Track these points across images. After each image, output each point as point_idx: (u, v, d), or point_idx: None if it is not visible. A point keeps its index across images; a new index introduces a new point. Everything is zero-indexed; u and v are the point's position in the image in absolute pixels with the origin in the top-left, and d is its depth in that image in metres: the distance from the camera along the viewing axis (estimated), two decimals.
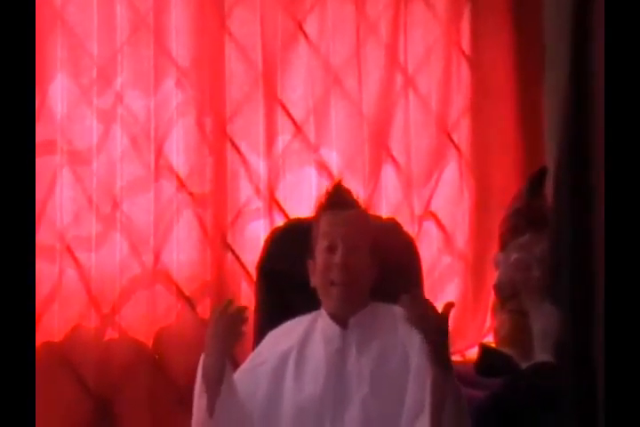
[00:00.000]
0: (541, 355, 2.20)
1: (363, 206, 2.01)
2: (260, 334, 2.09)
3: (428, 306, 1.78)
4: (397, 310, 1.99)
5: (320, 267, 1.93)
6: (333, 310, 1.94)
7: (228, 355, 1.85)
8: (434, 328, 1.75)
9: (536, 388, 2.03)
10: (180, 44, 2.66)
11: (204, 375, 1.83)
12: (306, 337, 1.95)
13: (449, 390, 1.75)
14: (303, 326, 1.98)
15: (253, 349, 2.05)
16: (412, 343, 1.89)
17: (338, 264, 1.89)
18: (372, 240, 1.96)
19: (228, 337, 1.83)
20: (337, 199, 1.97)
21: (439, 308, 1.78)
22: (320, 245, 1.93)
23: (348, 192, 1.99)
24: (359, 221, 1.96)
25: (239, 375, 1.91)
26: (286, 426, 1.86)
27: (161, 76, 2.63)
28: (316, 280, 1.95)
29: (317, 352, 1.92)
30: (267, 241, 2.27)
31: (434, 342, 1.75)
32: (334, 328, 1.93)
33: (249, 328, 2.24)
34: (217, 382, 1.81)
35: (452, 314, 2.74)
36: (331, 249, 1.91)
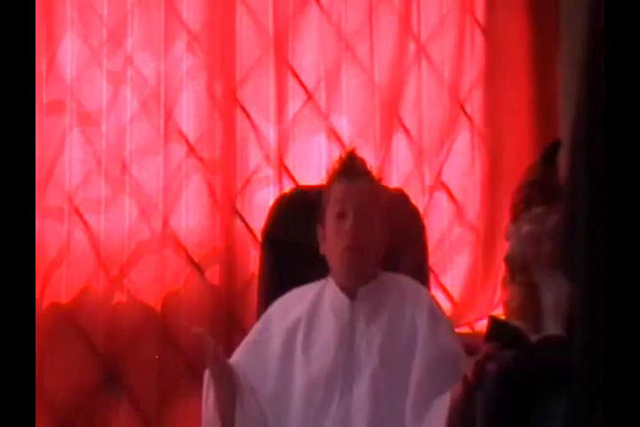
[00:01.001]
0: (552, 328, 2.19)
1: (376, 176, 1.99)
2: (265, 302, 2.09)
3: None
4: (405, 280, 1.99)
5: (330, 233, 1.92)
6: (343, 279, 1.93)
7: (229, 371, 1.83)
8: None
9: (546, 361, 2.03)
10: (190, 7, 2.63)
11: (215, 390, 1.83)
12: (314, 308, 1.95)
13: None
14: (311, 296, 1.97)
15: (258, 316, 2.04)
16: (420, 314, 1.90)
17: (348, 230, 1.88)
18: (383, 210, 1.94)
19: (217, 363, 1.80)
20: (350, 167, 1.95)
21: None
22: (330, 212, 1.92)
23: (361, 161, 1.97)
24: (371, 190, 1.94)
25: (248, 347, 1.92)
26: (297, 399, 1.86)
27: (171, 39, 2.60)
28: (325, 247, 1.93)
29: (326, 324, 1.91)
30: (273, 207, 2.26)
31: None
32: (343, 299, 1.92)
33: (253, 294, 2.25)
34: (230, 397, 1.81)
35: (462, 286, 2.79)
36: (341, 216, 1.90)
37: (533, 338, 2.17)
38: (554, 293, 2.20)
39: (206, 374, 1.84)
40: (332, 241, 1.91)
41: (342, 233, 1.89)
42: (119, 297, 2.47)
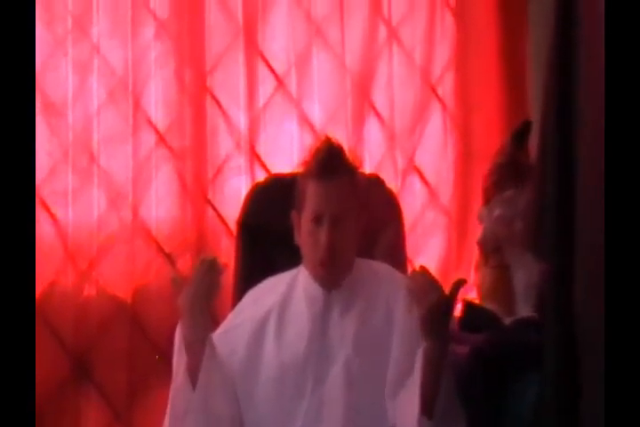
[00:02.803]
0: (524, 310, 2.19)
1: (353, 166, 1.90)
2: (240, 292, 2.07)
3: (433, 284, 1.74)
4: (380, 266, 1.98)
5: (305, 239, 1.87)
6: (318, 280, 1.90)
7: (209, 314, 1.81)
8: (435, 306, 1.71)
9: (518, 343, 2.03)
10: None
11: (184, 336, 1.80)
12: (287, 296, 1.92)
13: (443, 365, 1.73)
14: (284, 285, 1.95)
15: (233, 307, 2.02)
16: (396, 301, 1.88)
17: (323, 244, 1.83)
18: (360, 203, 1.89)
19: (208, 290, 1.80)
20: (326, 163, 1.86)
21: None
22: (306, 214, 1.87)
23: (338, 152, 1.88)
24: (348, 188, 1.87)
25: (219, 336, 1.89)
26: (267, 387, 1.84)
27: (139, 27, 2.57)
28: (299, 240, 1.90)
29: (300, 313, 1.89)
30: (247, 196, 2.25)
31: (432, 319, 1.71)
32: (317, 289, 1.90)
33: (228, 285, 2.23)
34: (199, 343, 1.78)
35: (436, 269, 2.78)
36: (317, 222, 1.85)
37: (507, 321, 2.18)
38: (525, 274, 2.21)
39: (177, 335, 1.81)
40: (307, 247, 1.87)
41: (318, 243, 1.84)
42: (88, 290, 2.45)
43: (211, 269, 1.81)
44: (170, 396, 1.82)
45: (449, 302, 1.74)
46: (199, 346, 1.79)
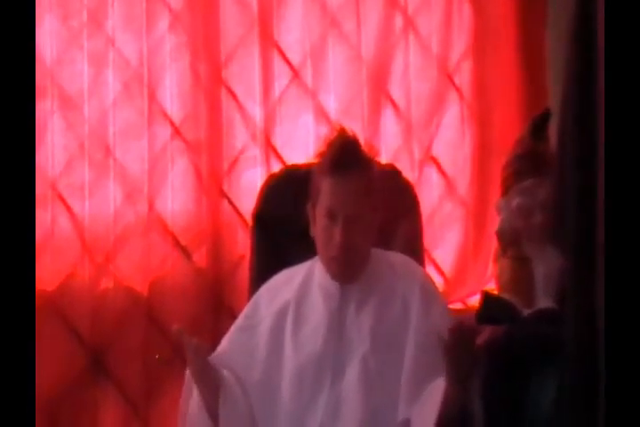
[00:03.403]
0: (544, 301, 2.17)
1: (369, 158, 1.86)
2: (256, 283, 2.06)
3: (469, 342, 1.71)
4: (396, 257, 1.96)
5: (320, 236, 1.85)
6: (333, 277, 1.88)
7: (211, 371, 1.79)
8: (467, 365, 1.70)
9: (538, 335, 2.01)
10: None
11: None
12: (303, 291, 1.91)
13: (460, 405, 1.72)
14: (299, 278, 1.93)
15: (249, 298, 2.01)
16: (413, 292, 1.86)
17: (338, 241, 1.81)
18: (376, 197, 1.86)
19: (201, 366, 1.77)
20: (341, 158, 1.83)
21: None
22: (320, 209, 1.84)
23: (353, 145, 1.85)
24: (363, 183, 1.83)
25: (236, 334, 1.89)
26: (286, 386, 1.83)
27: (153, 20, 2.56)
28: (315, 233, 1.88)
29: (316, 308, 1.88)
30: (262, 188, 2.23)
31: (461, 372, 1.71)
32: (333, 284, 1.88)
33: (244, 277, 2.23)
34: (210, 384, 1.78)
35: (454, 261, 2.76)
36: (331, 218, 1.82)
37: (526, 312, 2.15)
38: (545, 266, 2.18)
39: (187, 373, 1.82)
40: (321, 244, 1.85)
41: (332, 239, 1.82)
42: (105, 283, 2.46)
43: (196, 352, 1.77)
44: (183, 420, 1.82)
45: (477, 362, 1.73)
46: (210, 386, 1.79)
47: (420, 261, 2.13)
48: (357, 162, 1.84)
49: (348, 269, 1.86)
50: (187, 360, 1.77)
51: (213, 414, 1.78)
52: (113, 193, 2.49)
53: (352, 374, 1.81)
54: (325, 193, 1.83)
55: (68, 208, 2.45)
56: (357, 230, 1.82)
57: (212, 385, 1.78)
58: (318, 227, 1.85)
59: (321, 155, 1.87)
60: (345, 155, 1.83)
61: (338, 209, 1.81)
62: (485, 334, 1.95)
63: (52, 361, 2.37)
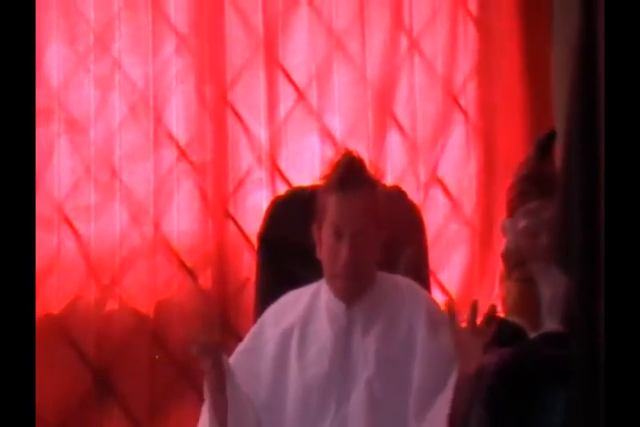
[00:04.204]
0: (550, 324, 2.16)
1: (374, 179, 1.88)
2: (261, 305, 2.06)
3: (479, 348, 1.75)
4: (402, 281, 1.95)
5: (326, 254, 1.85)
6: (338, 296, 1.88)
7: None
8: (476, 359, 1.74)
9: (545, 357, 2.00)
10: (178, 9, 2.61)
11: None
12: (309, 313, 1.90)
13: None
14: (305, 300, 1.93)
15: (254, 321, 2.01)
16: (419, 318, 1.86)
17: (344, 258, 1.81)
18: (381, 217, 1.87)
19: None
20: (347, 176, 1.84)
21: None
22: (326, 229, 1.85)
23: (359, 166, 1.86)
24: (368, 201, 1.85)
25: (241, 356, 1.88)
26: (292, 408, 1.83)
27: (159, 43, 2.58)
28: (321, 255, 1.88)
29: (322, 330, 1.87)
30: (268, 210, 2.23)
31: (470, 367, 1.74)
32: (339, 305, 1.88)
33: (249, 299, 2.22)
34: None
35: (460, 282, 2.75)
36: (337, 236, 1.83)
37: (532, 335, 2.14)
38: (551, 288, 2.17)
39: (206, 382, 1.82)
40: (327, 262, 1.85)
41: (338, 257, 1.82)
42: (111, 305, 2.46)
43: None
44: None
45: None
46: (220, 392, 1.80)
47: (426, 283, 2.12)
48: (363, 180, 1.85)
49: (353, 286, 1.85)
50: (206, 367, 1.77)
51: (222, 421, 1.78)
52: (119, 215, 2.50)
53: (357, 396, 1.80)
54: (331, 210, 1.84)
55: (74, 230, 2.46)
56: (363, 247, 1.82)
57: (224, 392, 1.79)
58: (324, 245, 1.85)
59: (326, 177, 1.88)
60: (350, 173, 1.85)
61: (344, 225, 1.82)
62: (494, 356, 1.94)
63: (58, 383, 2.37)
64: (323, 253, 1.86)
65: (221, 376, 1.78)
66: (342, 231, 1.82)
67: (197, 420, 1.85)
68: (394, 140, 2.75)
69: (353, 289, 1.86)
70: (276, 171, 2.64)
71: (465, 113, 2.84)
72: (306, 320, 1.89)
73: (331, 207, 1.84)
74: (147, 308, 2.48)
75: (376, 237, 1.85)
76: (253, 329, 1.96)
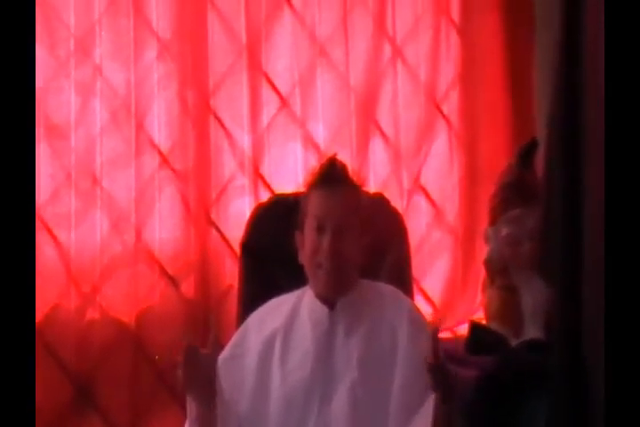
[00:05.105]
0: (532, 331, 2.16)
1: (357, 183, 1.91)
2: (244, 313, 2.05)
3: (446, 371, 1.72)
4: (385, 288, 1.95)
5: (308, 248, 1.86)
6: (320, 293, 1.89)
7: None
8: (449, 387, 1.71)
9: (527, 365, 2.00)
10: (160, 15, 2.59)
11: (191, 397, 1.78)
12: (292, 318, 1.90)
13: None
14: (289, 305, 1.93)
15: (237, 328, 2.00)
16: (400, 322, 1.86)
17: (325, 250, 1.82)
18: (363, 219, 1.88)
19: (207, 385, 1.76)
20: (329, 175, 1.88)
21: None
22: (309, 224, 1.87)
23: (341, 168, 1.90)
24: (350, 199, 1.88)
25: (225, 362, 1.86)
26: (275, 413, 1.82)
27: (141, 48, 2.57)
28: (303, 258, 1.89)
29: (305, 335, 1.87)
30: (251, 217, 2.22)
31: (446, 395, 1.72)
32: (322, 309, 1.88)
33: (232, 306, 2.21)
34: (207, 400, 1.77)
35: (443, 290, 2.75)
36: (320, 230, 1.84)
37: (514, 342, 2.15)
38: (533, 296, 2.18)
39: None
40: (309, 255, 1.86)
41: (320, 250, 1.83)
42: (91, 314, 2.43)
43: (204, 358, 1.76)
44: None
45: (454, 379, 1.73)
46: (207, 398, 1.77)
47: (409, 290, 2.12)
48: (346, 180, 1.88)
49: (336, 280, 1.85)
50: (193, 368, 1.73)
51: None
52: (100, 222, 2.47)
53: (340, 401, 1.80)
54: (314, 205, 1.86)
55: (54, 238, 2.43)
56: (345, 241, 1.83)
57: (213, 401, 1.77)
58: (307, 241, 1.86)
59: (309, 180, 1.90)
60: (334, 171, 1.88)
61: (326, 218, 1.83)
62: (475, 369, 1.94)
63: (37, 393, 2.33)
64: (305, 251, 1.87)
65: (213, 392, 1.77)
66: (324, 224, 1.83)
67: None
68: (377, 147, 2.75)
69: (336, 284, 1.85)
70: (258, 178, 2.63)
71: (448, 120, 2.84)
72: (288, 327, 1.89)
73: (314, 203, 1.86)
74: (128, 317, 2.46)
75: (358, 236, 1.86)
76: (235, 337, 1.95)
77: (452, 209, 2.81)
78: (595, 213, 1.68)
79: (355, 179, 1.90)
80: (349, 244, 1.84)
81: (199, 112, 2.60)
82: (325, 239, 1.82)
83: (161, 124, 2.56)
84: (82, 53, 2.51)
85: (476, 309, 2.67)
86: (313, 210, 1.86)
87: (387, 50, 2.80)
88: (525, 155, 2.38)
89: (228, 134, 2.62)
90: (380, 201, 2.22)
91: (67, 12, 2.51)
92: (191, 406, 1.79)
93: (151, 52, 2.57)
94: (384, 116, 2.77)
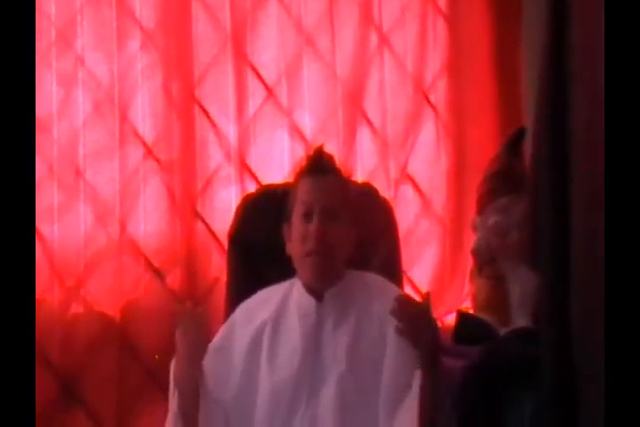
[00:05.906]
0: (519, 320, 2.16)
1: (344, 173, 1.93)
2: (232, 305, 2.04)
3: (419, 313, 1.73)
4: (372, 277, 1.94)
5: (296, 236, 1.87)
6: (308, 281, 1.88)
7: (200, 363, 1.79)
8: (425, 338, 1.73)
9: (515, 354, 1.99)
10: (143, 4, 2.56)
11: (176, 384, 1.79)
12: (280, 310, 1.90)
13: (439, 378, 1.72)
14: (277, 297, 1.92)
15: (225, 320, 1.98)
16: (389, 316, 1.84)
17: (313, 234, 1.82)
18: (351, 208, 1.89)
19: (198, 345, 1.78)
20: (317, 164, 1.89)
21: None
22: (297, 212, 1.87)
23: (329, 158, 1.91)
24: (338, 187, 1.89)
25: (212, 354, 1.85)
26: (263, 405, 1.82)
27: (124, 38, 2.53)
28: (291, 248, 1.88)
29: (293, 327, 1.87)
30: (238, 209, 2.21)
31: (426, 351, 1.73)
32: (310, 301, 1.87)
33: (220, 298, 2.19)
34: (191, 391, 1.77)
35: (430, 279, 2.74)
36: (307, 217, 1.85)
37: (502, 331, 2.14)
38: (520, 285, 2.17)
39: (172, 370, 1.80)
40: (297, 243, 1.87)
41: (308, 236, 1.84)
42: (75, 308, 2.41)
43: (198, 320, 1.80)
44: None
45: (425, 310, 1.74)
46: (191, 389, 1.78)
47: (398, 280, 2.11)
48: (333, 168, 1.90)
49: (323, 269, 1.84)
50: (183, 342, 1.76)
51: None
52: (83, 215, 2.44)
53: (328, 393, 1.79)
54: (302, 191, 1.87)
55: (37, 231, 2.40)
56: (333, 226, 1.84)
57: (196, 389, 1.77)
58: (295, 231, 1.86)
59: (297, 169, 1.91)
60: (321, 159, 1.90)
61: (314, 202, 1.85)
62: (463, 359, 1.93)
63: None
64: (293, 241, 1.87)
65: (195, 382, 1.76)
66: (312, 209, 1.84)
67: None
68: (364, 137, 2.74)
69: (324, 273, 1.85)
70: (244, 168, 2.61)
71: (435, 110, 2.83)
72: (277, 319, 1.88)
73: (301, 190, 1.88)
74: (113, 310, 2.43)
75: (346, 225, 1.86)
76: (223, 329, 1.94)
77: (439, 199, 2.80)
78: (583, 201, 1.67)
79: (342, 169, 1.92)
80: (337, 229, 1.84)
81: (184, 103, 2.57)
82: (313, 224, 1.83)
83: (145, 115, 2.53)
84: (63, 44, 2.47)
85: (463, 298, 2.67)
86: (301, 196, 1.87)
87: (373, 39, 2.78)
88: (513, 144, 2.37)
89: (214, 125, 2.60)
90: (368, 191, 2.21)
91: (47, 1, 2.47)
92: (173, 399, 1.79)
93: (134, 42, 2.54)
94: (371, 106, 2.75)
